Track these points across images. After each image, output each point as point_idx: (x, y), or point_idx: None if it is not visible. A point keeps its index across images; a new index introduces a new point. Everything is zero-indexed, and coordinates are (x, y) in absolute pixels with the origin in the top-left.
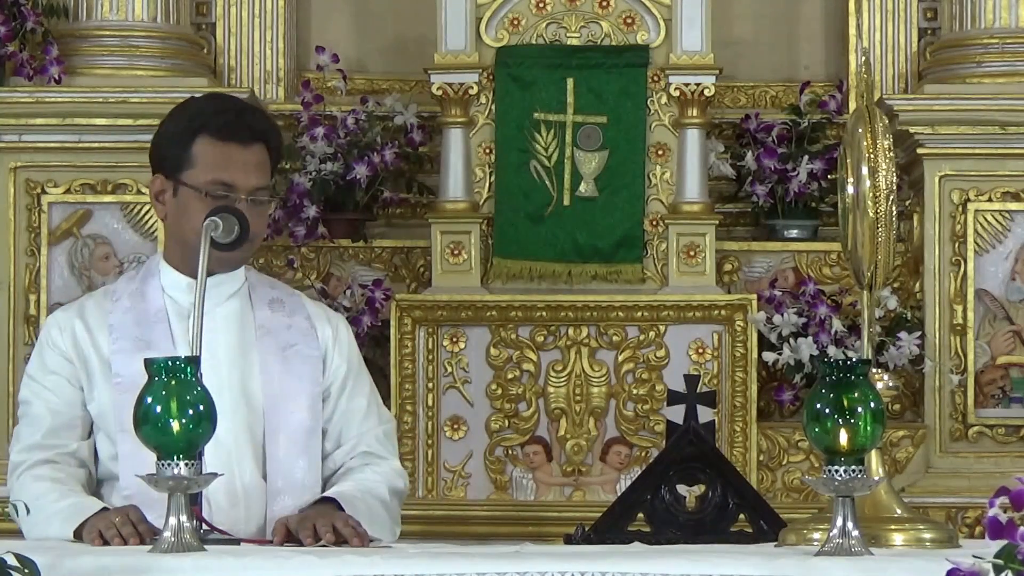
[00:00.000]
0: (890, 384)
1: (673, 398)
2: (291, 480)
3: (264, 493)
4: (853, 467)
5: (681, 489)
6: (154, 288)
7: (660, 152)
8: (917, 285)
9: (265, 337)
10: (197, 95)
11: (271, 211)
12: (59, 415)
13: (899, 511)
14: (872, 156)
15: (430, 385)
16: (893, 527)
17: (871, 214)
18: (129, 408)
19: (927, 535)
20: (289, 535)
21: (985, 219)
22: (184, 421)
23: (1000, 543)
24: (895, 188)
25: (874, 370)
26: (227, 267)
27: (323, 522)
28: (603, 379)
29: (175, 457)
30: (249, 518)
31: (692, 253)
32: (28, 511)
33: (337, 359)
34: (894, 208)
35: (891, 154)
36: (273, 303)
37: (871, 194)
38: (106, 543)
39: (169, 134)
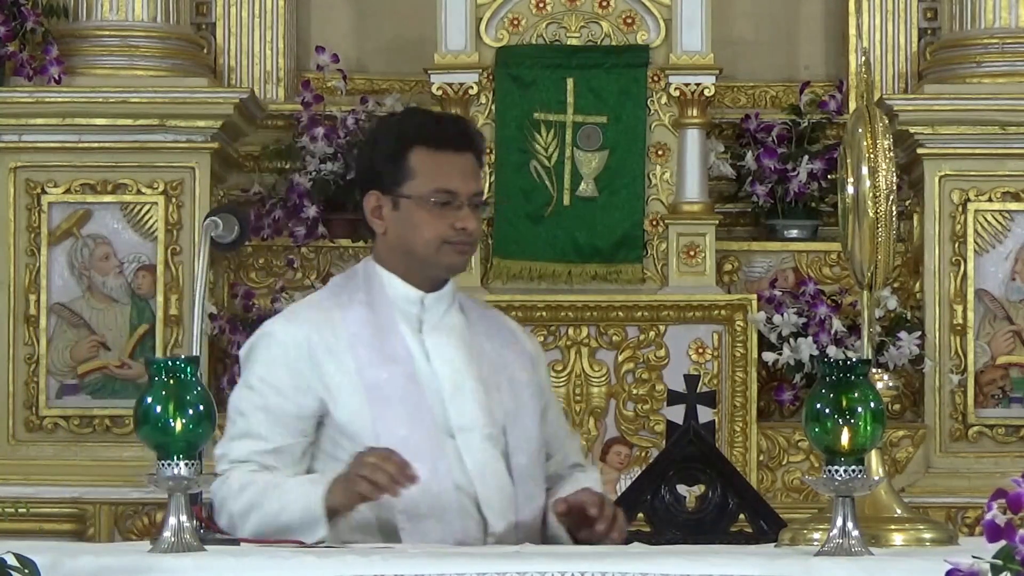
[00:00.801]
0: (890, 384)
1: (673, 398)
2: (532, 490)
3: (515, 501)
4: (853, 467)
5: (681, 489)
6: (382, 298)
7: (660, 152)
8: (917, 285)
9: (487, 353)
10: (396, 111)
11: (485, 215)
12: (281, 428)
13: (899, 511)
14: (872, 156)
15: None
16: (893, 527)
17: (871, 214)
18: (384, 419)
19: (927, 535)
20: (570, 510)
21: (985, 219)
22: (184, 421)
23: (998, 545)
24: (895, 188)
25: (874, 370)
26: (453, 274)
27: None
28: (603, 379)
29: (175, 457)
30: (515, 525)
31: (692, 253)
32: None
33: (541, 372)
34: (894, 208)
35: (891, 154)
36: (483, 318)
37: (871, 194)
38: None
39: (381, 151)
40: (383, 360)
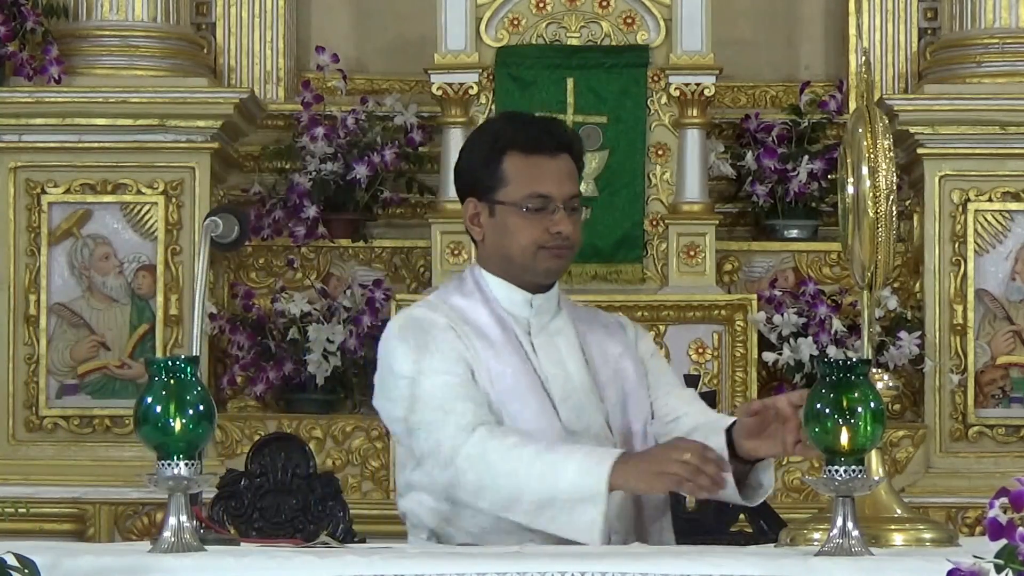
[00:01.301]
0: (890, 384)
1: None
2: None
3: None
4: (853, 467)
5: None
6: (491, 302)
7: (660, 152)
8: (917, 285)
9: (593, 350)
10: (493, 118)
11: (584, 217)
12: (476, 393)
13: (899, 511)
14: (872, 156)
15: None
16: (893, 527)
17: (871, 214)
18: (509, 414)
19: (927, 535)
20: (764, 409)
21: (985, 219)
22: (184, 421)
23: (999, 544)
24: (895, 188)
25: (874, 370)
26: (552, 279)
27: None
28: None
29: (175, 457)
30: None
31: (692, 253)
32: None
33: (642, 349)
34: (894, 208)
35: (891, 154)
36: (582, 317)
37: (871, 194)
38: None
39: (476, 158)
40: (506, 356)
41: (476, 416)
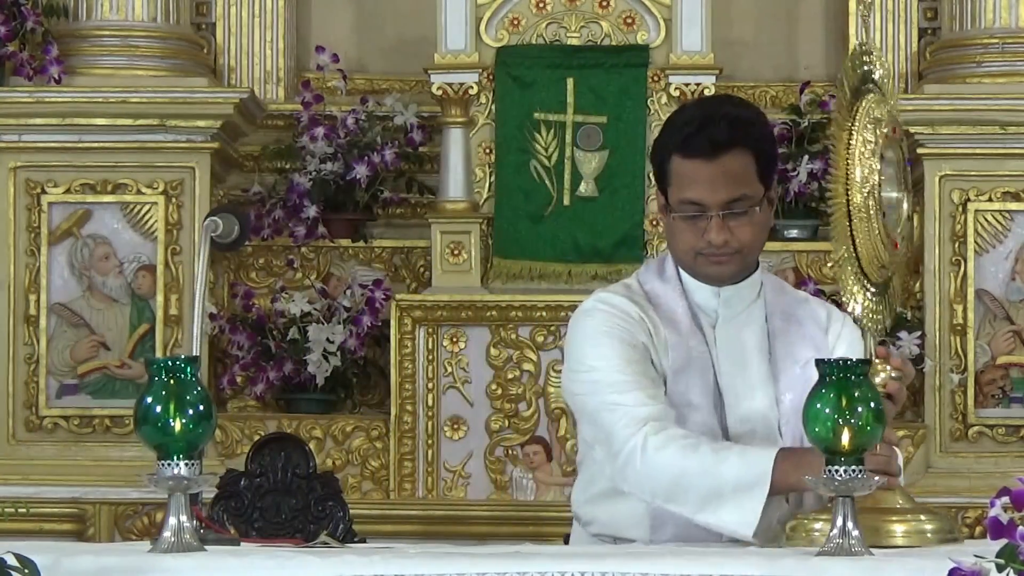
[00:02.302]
0: (892, 375)
1: None
2: None
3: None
4: (853, 467)
5: None
6: (679, 291)
7: None
8: (917, 285)
9: (779, 341)
10: (680, 107)
11: (764, 217)
12: (650, 383)
13: (900, 502)
14: (848, 146)
15: (430, 385)
16: (894, 518)
17: (842, 205)
18: (683, 398)
19: (928, 526)
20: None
21: (985, 219)
22: (184, 421)
23: (1000, 543)
24: (879, 181)
25: (876, 360)
26: (718, 283)
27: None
28: None
29: (175, 457)
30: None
31: None
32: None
33: (831, 336)
34: (874, 201)
35: (874, 145)
36: (781, 304)
37: (843, 184)
38: None
39: (654, 153)
40: (678, 354)
41: (648, 408)
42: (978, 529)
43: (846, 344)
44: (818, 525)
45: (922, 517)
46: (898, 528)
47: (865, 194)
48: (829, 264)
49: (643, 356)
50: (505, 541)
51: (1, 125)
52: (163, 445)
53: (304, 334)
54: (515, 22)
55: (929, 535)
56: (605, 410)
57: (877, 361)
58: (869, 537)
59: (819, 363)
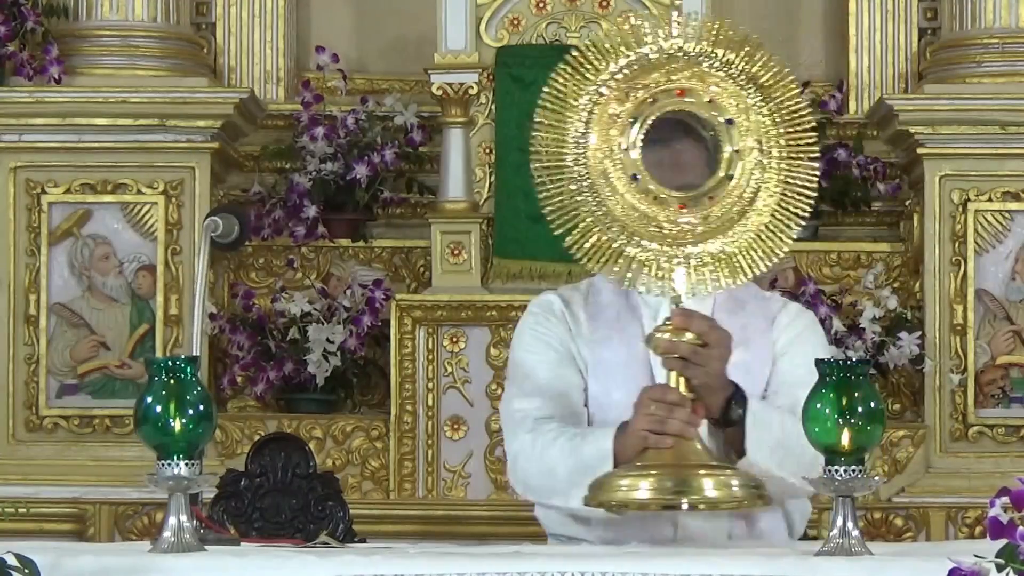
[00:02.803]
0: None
1: None
2: None
3: None
4: (853, 467)
5: None
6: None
7: None
8: (917, 285)
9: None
10: None
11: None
12: (556, 385)
13: (705, 457)
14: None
15: (430, 385)
16: (703, 472)
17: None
18: (606, 396)
19: (735, 481)
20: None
21: (985, 219)
22: (184, 421)
23: (999, 543)
24: (761, 136)
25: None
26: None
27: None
28: None
29: (175, 457)
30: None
31: None
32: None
33: (779, 325)
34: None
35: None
36: (731, 296)
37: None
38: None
39: None
40: (620, 343)
41: (537, 415)
42: (978, 529)
43: (788, 336)
44: (625, 481)
45: (728, 471)
46: (707, 482)
47: (600, 157)
48: (830, 265)
49: (557, 355)
50: (505, 541)
51: (1, 125)
52: (163, 445)
53: (304, 334)
54: (515, 22)
55: (736, 489)
56: (508, 418)
57: (669, 323)
58: (681, 491)
59: (819, 363)
